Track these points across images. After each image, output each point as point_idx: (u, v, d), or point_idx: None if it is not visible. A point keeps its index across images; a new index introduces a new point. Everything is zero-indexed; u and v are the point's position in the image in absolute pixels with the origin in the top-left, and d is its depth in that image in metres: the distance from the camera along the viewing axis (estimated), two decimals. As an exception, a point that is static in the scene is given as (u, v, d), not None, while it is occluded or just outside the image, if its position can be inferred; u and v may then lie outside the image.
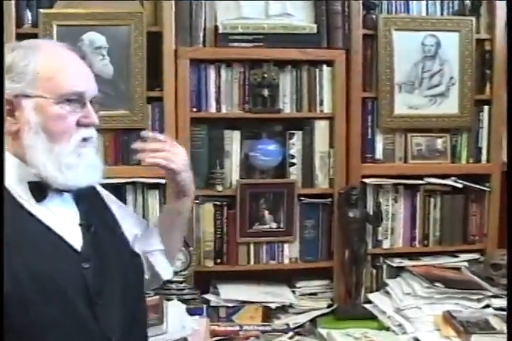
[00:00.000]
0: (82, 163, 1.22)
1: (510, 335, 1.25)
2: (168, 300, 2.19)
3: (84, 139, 1.22)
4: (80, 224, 1.24)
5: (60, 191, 1.22)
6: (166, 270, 1.49)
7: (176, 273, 2.28)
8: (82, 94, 1.20)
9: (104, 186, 2.28)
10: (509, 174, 1.89)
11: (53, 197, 1.21)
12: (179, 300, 2.24)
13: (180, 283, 2.32)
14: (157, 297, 2.06)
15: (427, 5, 2.53)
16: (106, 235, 1.28)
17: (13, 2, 2.29)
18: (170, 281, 2.29)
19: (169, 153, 1.36)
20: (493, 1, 2.52)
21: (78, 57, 1.26)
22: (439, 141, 2.52)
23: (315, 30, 2.41)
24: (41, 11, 2.30)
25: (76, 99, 1.19)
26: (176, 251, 1.59)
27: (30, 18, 2.33)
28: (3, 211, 1.11)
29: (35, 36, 2.26)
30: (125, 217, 1.42)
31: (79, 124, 1.20)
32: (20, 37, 2.13)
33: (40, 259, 1.11)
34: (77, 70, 1.23)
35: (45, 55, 1.18)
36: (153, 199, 2.39)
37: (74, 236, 1.20)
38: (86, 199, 1.28)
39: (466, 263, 2.57)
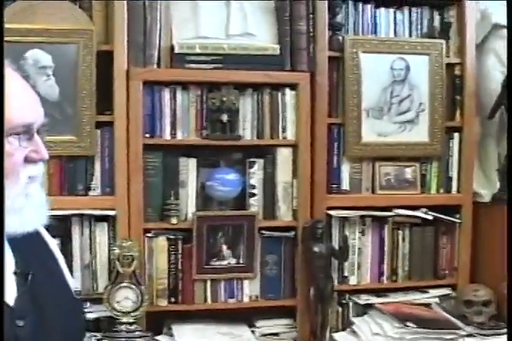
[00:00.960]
0: (30, 205, 1.11)
1: (510, 335, 1.21)
2: (115, 344, 2.08)
3: (30, 177, 1.10)
4: (15, 273, 1.12)
5: None
6: None
7: (126, 314, 2.19)
8: (30, 125, 1.09)
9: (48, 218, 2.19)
10: (510, 181, 1.84)
11: None
12: (129, 343, 2.13)
13: (131, 324, 2.20)
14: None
15: (395, 26, 2.50)
16: (46, 282, 1.17)
17: None
18: (120, 322, 2.19)
19: None
20: (463, 23, 2.50)
21: (22, 80, 1.13)
22: (409, 170, 2.48)
23: (278, 52, 2.34)
24: (-21, 25, 2.17)
25: (24, 131, 1.08)
26: None
27: (-32, 32, 2.20)
28: (3, 208, 1.04)
29: (-29, 53, 2.14)
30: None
31: (27, 160, 1.09)
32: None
33: None
34: (24, 99, 1.11)
35: None
36: (102, 232, 2.27)
37: (7, 289, 1.07)
38: (24, 243, 1.15)
39: (436, 299, 2.53)
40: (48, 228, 2.17)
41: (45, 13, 2.22)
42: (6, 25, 2.12)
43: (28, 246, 1.16)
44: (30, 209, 1.10)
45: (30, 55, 2.18)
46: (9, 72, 1.11)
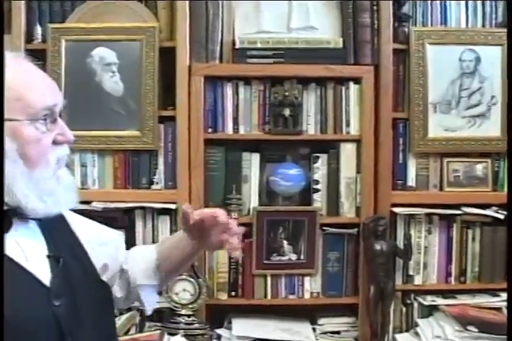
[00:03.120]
0: (61, 187, 1.25)
1: (510, 335, 1.28)
2: (173, 334, 2.28)
3: (58, 159, 1.25)
4: (48, 256, 1.25)
5: (25, 219, 1.24)
6: (152, 306, 1.58)
7: (184, 306, 2.39)
8: (52, 108, 1.23)
9: (113, 210, 2.43)
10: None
11: (18, 225, 1.23)
12: (187, 335, 2.33)
13: (189, 316, 2.40)
14: (157, 332, 2.15)
15: (466, 16, 2.56)
16: (75, 266, 1.31)
17: (23, 17, 2.45)
18: (178, 314, 2.39)
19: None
20: (542, 11, 2.54)
21: (35, 68, 1.26)
22: (479, 167, 2.55)
23: (341, 45, 2.48)
24: (50, 25, 2.44)
25: (47, 115, 1.21)
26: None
27: (40, 33, 2.48)
28: (3, 213, 1.18)
29: (43, 52, 2.42)
30: (96, 244, 1.45)
31: (54, 143, 1.23)
32: (30, 52, 2.27)
33: (7, 298, 1.13)
34: (43, 84, 1.24)
35: (8, 74, 1.19)
36: (164, 225, 2.49)
37: (42, 270, 1.22)
38: (53, 227, 1.30)
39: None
40: (113, 219, 2.45)
41: (112, 12, 2.47)
42: (75, 25, 2.41)
43: (56, 229, 1.32)
44: (61, 191, 1.25)
45: (96, 53, 2.44)
46: (21, 62, 1.25)
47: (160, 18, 2.48)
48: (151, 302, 1.58)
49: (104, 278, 1.44)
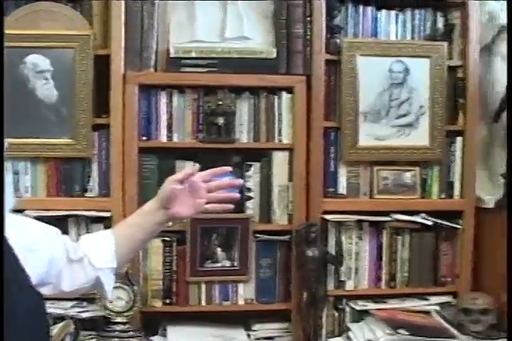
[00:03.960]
0: None
1: (510, 335, 1.36)
2: (107, 343, 2.35)
3: None
4: None
5: None
6: (111, 289, 1.66)
7: (118, 314, 2.46)
8: None
9: (46, 218, 2.48)
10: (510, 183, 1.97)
11: None
12: (121, 342, 2.40)
13: (124, 324, 2.46)
14: (92, 341, 2.22)
15: (396, 28, 2.71)
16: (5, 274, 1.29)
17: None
18: (113, 322, 2.46)
19: None
20: (467, 25, 2.69)
21: None
22: (408, 175, 2.69)
23: (274, 55, 2.58)
24: (-20, 31, 2.48)
25: None
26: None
27: (-29, 37, 2.52)
28: (4, 211, 1.24)
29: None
30: (28, 250, 1.44)
31: None
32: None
33: None
34: None
35: None
36: (98, 233, 2.55)
37: None
38: None
39: (437, 307, 2.72)
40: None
41: (46, 18, 2.52)
42: (8, 31, 2.45)
43: None
44: None
45: (29, 60, 2.48)
46: None
47: (94, 26, 2.54)
48: (110, 285, 1.65)
49: (43, 288, 1.49)
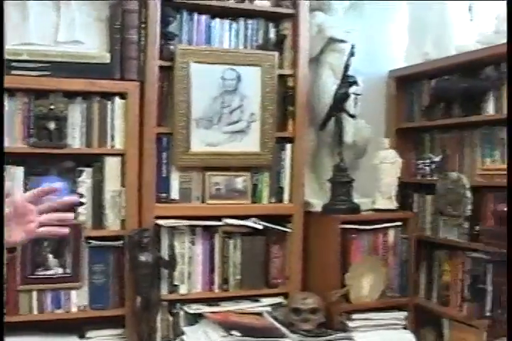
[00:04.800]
0: None
1: (510, 335, 1.42)
2: None
3: None
4: None
5: None
6: None
7: None
8: None
9: None
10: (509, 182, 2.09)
11: None
12: None
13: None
14: None
15: (229, 37, 2.85)
16: None
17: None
18: None
19: None
20: (297, 36, 2.88)
21: None
22: (239, 180, 2.83)
23: (107, 60, 2.64)
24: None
25: None
26: None
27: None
28: (3, 210, 1.23)
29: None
30: None
31: None
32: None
33: None
34: None
35: None
36: None
37: None
38: None
39: (268, 308, 2.87)
40: None
41: None
42: None
43: None
44: None
45: None
46: None
47: None
48: None
49: None
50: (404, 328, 2.91)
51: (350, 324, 2.81)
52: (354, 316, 2.83)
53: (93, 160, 2.68)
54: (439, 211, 2.99)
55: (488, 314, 2.45)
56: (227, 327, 2.65)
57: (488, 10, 3.00)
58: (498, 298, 2.18)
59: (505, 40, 2.68)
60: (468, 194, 2.80)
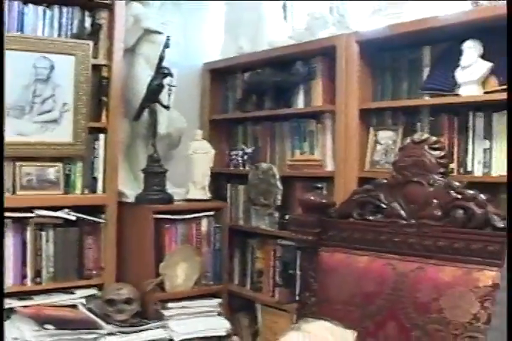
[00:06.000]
0: None
1: (510, 335, 1.44)
2: None
3: None
4: None
5: None
6: None
7: None
8: None
9: None
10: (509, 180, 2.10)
11: None
12: None
13: None
14: None
15: (43, 25, 2.81)
16: None
17: None
18: None
19: None
20: (113, 27, 2.90)
21: None
22: (51, 171, 2.81)
23: None
24: None
25: None
26: None
27: None
28: (3, 211, 1.10)
29: None
30: None
31: None
32: None
33: None
34: None
35: None
36: None
37: None
38: None
39: (83, 300, 2.87)
40: None
41: None
42: None
43: None
44: None
45: None
46: None
47: None
48: None
49: None
50: (219, 314, 3.02)
51: (166, 313, 2.88)
52: (169, 305, 2.91)
53: None
54: (251, 201, 3.15)
55: (297, 298, 2.61)
56: (41, 321, 2.62)
57: (301, 8, 3.18)
58: (305, 282, 2.33)
59: (313, 37, 2.88)
60: (279, 184, 2.97)
